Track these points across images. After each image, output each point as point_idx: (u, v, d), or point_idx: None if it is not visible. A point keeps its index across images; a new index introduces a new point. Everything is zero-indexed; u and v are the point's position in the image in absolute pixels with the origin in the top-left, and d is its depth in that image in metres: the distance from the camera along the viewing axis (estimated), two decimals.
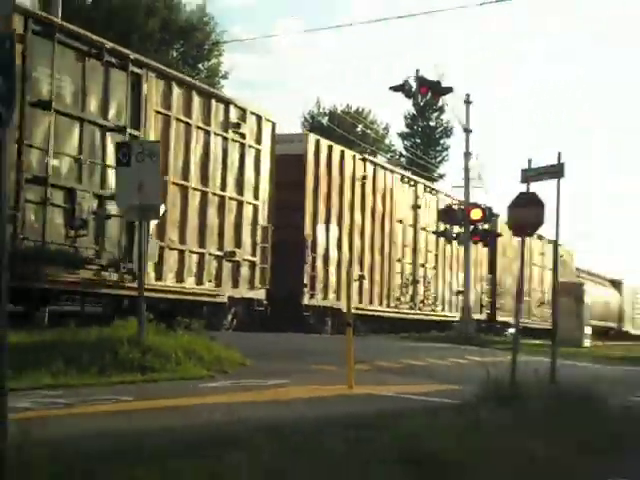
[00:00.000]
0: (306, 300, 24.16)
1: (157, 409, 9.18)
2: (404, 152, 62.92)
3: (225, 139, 20.75)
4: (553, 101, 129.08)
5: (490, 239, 35.30)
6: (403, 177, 32.08)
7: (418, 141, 64.25)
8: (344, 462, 6.28)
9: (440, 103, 35.14)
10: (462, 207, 33.40)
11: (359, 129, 57.56)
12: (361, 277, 27.35)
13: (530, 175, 11.66)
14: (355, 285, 26.32)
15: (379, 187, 29.26)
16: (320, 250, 25.17)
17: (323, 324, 25.30)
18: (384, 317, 28.99)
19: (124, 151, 13.81)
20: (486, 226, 33.93)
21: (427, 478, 6.47)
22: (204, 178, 19.86)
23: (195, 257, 19.45)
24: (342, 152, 27.15)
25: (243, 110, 21.61)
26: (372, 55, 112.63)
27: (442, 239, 33.81)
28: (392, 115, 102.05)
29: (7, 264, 4.79)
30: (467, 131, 34.26)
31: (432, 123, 64.49)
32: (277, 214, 22.81)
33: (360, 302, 26.96)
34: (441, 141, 64.48)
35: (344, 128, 50.31)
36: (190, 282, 19.23)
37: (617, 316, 55.16)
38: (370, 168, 28.88)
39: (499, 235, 35.69)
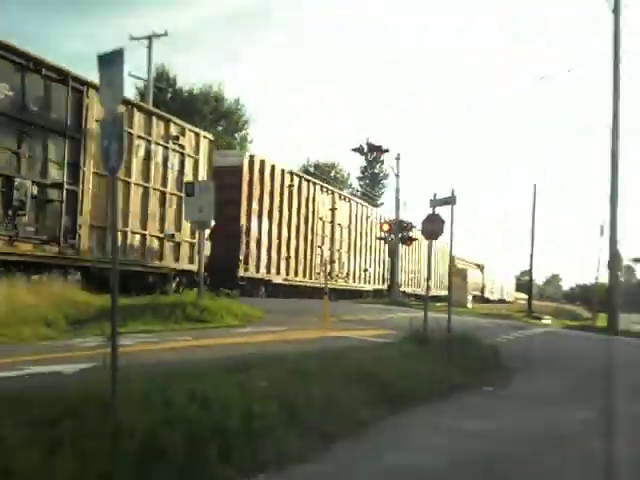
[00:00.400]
0: (241, 272, 21.17)
1: (209, 345, 9.16)
2: (359, 189, 62.83)
3: (166, 148, 17.10)
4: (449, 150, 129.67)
5: (409, 241, 35.13)
6: (322, 187, 28.31)
7: (368, 182, 64.12)
8: (321, 375, 6.32)
9: (381, 158, 35.17)
10: (394, 221, 33.72)
11: (332, 174, 58.20)
12: (288, 257, 24.30)
13: (434, 203, 11.66)
14: (283, 263, 24.01)
15: (304, 193, 25.73)
16: (253, 236, 22.02)
17: (258, 290, 22.21)
18: (307, 286, 25.77)
19: (190, 186, 14.06)
20: (410, 234, 34.15)
21: (370, 384, 6.51)
22: (146, 176, 16.28)
23: (138, 237, 16.00)
24: (273, 166, 23.51)
25: (182, 127, 18.00)
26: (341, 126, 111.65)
27: (352, 232, 30.90)
28: (353, 166, 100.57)
29: (117, 244, 4.76)
30: (397, 176, 34.90)
31: (376, 171, 64.27)
32: (221, 209, 19.45)
33: (287, 275, 24.35)
34: (382, 182, 64.32)
35: (323, 174, 50.72)
36: (134, 257, 15.91)
37: (481, 288, 55.25)
38: (296, 179, 25.36)
39: (416, 239, 35.60)
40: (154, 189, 16.71)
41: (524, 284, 61.51)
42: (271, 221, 23.26)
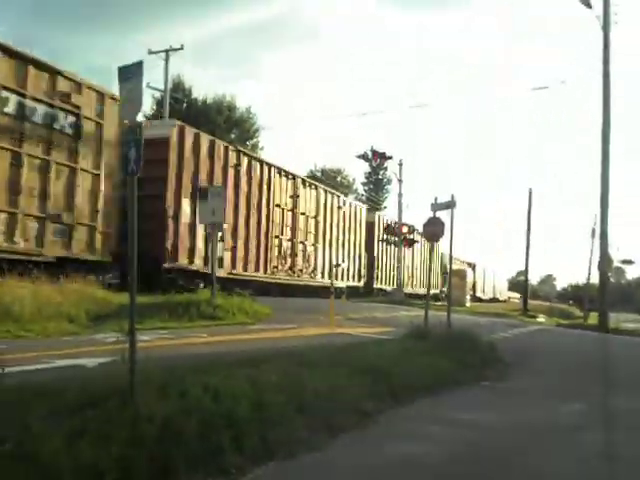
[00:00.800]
0: (168, 264, 16.46)
1: (222, 341, 9.18)
2: (364, 193, 62.73)
3: (51, 106, 12.95)
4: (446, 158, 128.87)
5: (409, 243, 34.86)
6: (280, 171, 22.86)
7: (372, 187, 63.97)
8: (328, 369, 6.31)
9: (385, 165, 35.11)
10: (397, 224, 33.73)
11: (338, 180, 58.19)
12: (233, 247, 19.26)
13: (436, 207, 11.64)
14: (228, 254, 18.92)
15: (256, 176, 20.60)
16: (185, 221, 17.11)
17: (195, 285, 16.86)
18: (262, 281, 20.81)
19: (204, 192, 14.12)
20: (411, 236, 34.10)
21: (374, 378, 6.49)
22: (17, 139, 12.25)
23: (2, 215, 12.07)
24: (212, 141, 18.71)
25: (78, 83, 13.56)
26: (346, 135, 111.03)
27: (320, 223, 25.62)
28: (357, 171, 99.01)
29: (135, 245, 4.74)
30: (400, 181, 34.93)
31: (380, 176, 64.16)
32: (145, 187, 14.13)
33: (233, 268, 19.17)
34: (385, 187, 64.11)
35: (329, 179, 50.79)
36: None
37: (473, 287, 53.25)
38: (245, 159, 20.18)
39: (417, 241, 35.40)
40: (29, 156, 12.66)
41: (518, 284, 60.61)
42: None
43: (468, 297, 38.33)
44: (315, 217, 25.38)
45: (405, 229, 33.78)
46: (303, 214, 24.34)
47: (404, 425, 5.63)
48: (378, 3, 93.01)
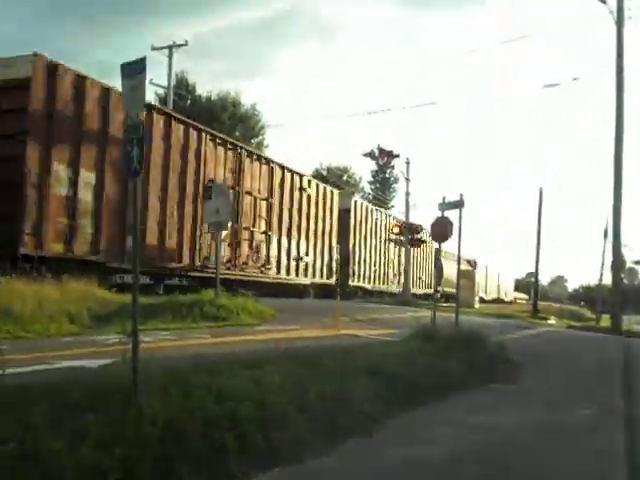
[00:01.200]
0: (28, 249, 12.08)
1: (225, 342, 9.18)
2: (371, 192, 62.73)
3: None
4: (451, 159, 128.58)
5: (415, 242, 34.59)
6: (215, 137, 18.17)
7: (379, 186, 63.93)
8: (333, 370, 6.31)
9: (392, 163, 35.05)
10: (404, 224, 33.66)
11: (344, 178, 58.13)
12: (142, 229, 14.50)
13: (444, 206, 11.62)
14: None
15: (176, 141, 16.11)
16: (57, 193, 12.78)
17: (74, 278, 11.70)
18: (186, 275, 16.70)
19: (209, 191, 14.14)
20: (419, 235, 33.99)
21: (380, 380, 6.50)
22: None
23: None
24: (106, 90, 13.75)
25: None
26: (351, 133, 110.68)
27: (275, 206, 20.79)
28: (364, 170, 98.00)
29: (140, 244, 4.78)
30: (407, 180, 34.85)
31: (387, 175, 64.07)
32: None
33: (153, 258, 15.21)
34: (392, 186, 64.07)
35: (335, 178, 50.80)
36: None
37: None
38: (160, 119, 15.67)
39: (424, 241, 35.13)
40: None
41: (528, 284, 59.97)
42: (103, 174, 13.78)
43: (477, 298, 38.12)
44: (267, 199, 20.60)
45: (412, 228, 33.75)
46: (249, 194, 19.61)
47: (411, 428, 5.63)
48: (380, 3, 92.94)
